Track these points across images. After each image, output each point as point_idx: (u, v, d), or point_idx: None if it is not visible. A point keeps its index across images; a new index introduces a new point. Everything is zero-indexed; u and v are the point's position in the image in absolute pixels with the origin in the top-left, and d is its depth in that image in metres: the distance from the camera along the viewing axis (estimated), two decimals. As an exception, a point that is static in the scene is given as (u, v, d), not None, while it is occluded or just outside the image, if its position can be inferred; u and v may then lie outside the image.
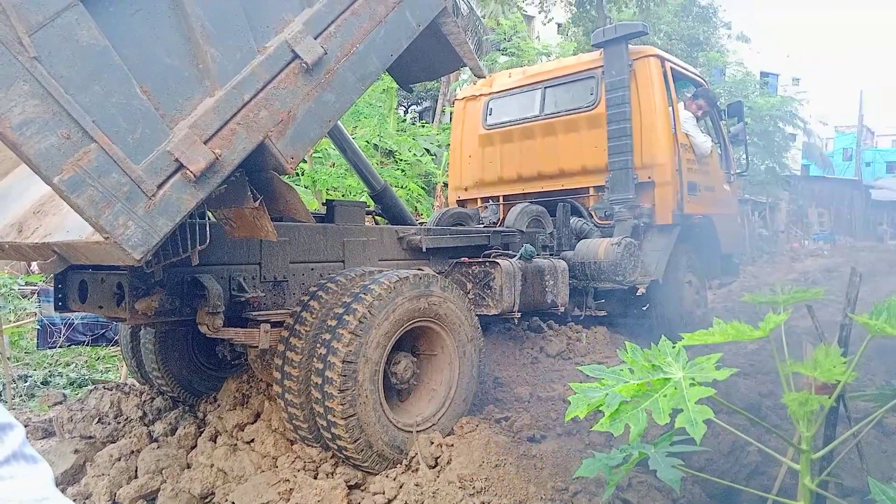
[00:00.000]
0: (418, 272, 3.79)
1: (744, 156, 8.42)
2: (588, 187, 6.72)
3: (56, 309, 4.01)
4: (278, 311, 3.75)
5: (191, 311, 3.53)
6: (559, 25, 25.44)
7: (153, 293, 3.35)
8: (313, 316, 3.46)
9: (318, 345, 3.36)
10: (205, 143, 2.63)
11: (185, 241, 2.86)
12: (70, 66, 2.33)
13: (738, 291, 10.08)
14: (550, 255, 5.87)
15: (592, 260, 5.68)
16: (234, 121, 2.76)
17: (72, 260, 3.06)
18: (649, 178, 6.28)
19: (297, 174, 11.66)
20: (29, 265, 9.15)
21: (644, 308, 6.56)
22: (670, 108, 6.38)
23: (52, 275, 3.91)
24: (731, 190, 7.64)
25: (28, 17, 2.23)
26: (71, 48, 2.34)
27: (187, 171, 2.55)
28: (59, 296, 3.94)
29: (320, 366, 3.30)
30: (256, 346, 3.49)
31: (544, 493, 3.05)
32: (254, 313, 3.67)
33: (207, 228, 2.90)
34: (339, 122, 5.01)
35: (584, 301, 6.08)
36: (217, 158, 2.64)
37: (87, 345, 7.91)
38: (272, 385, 3.68)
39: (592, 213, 6.62)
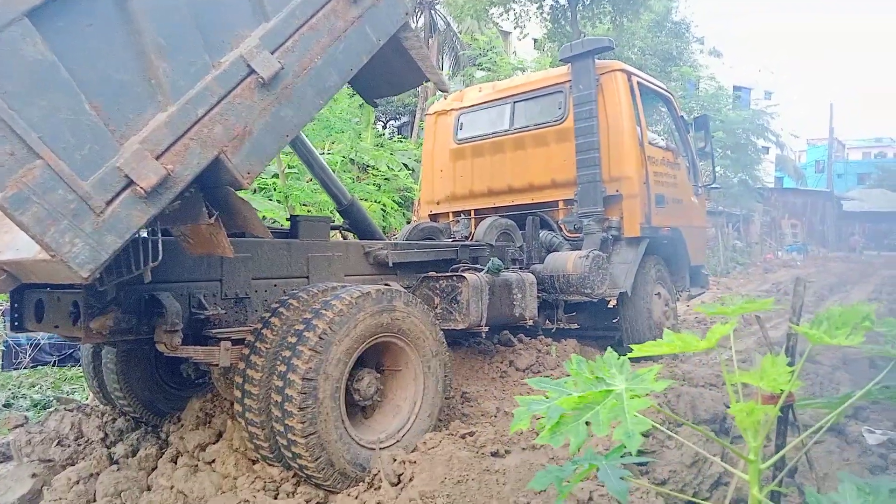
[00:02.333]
0: (381, 287, 3.76)
1: (713, 168, 8.53)
2: (557, 200, 6.76)
3: (12, 329, 3.92)
4: (239, 329, 3.70)
5: (148, 329, 3.47)
6: (535, 41, 25.73)
7: (108, 311, 3.29)
8: (274, 333, 3.41)
9: (279, 362, 3.31)
10: (156, 158, 2.60)
11: (137, 258, 2.82)
12: (14, 82, 2.30)
13: (712, 303, 10.17)
14: (520, 268, 5.88)
15: (561, 273, 5.69)
16: (188, 136, 2.73)
17: (22, 278, 3.00)
18: (617, 191, 6.34)
19: (272, 189, 11.60)
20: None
21: (615, 320, 6.59)
22: (637, 122, 6.45)
23: (7, 293, 3.83)
24: (699, 202, 7.73)
25: (-30, 32, 2.20)
26: (15, 63, 2.31)
27: (137, 188, 2.52)
28: (16, 315, 3.85)
29: (280, 383, 3.25)
30: (217, 364, 3.44)
31: (506, 509, 3.01)
32: (214, 331, 3.62)
33: (160, 245, 2.86)
34: (305, 137, 5.00)
35: (555, 314, 6.09)
36: (169, 174, 2.61)
37: (54, 365, 7.73)
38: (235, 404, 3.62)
39: (562, 227, 6.65)
